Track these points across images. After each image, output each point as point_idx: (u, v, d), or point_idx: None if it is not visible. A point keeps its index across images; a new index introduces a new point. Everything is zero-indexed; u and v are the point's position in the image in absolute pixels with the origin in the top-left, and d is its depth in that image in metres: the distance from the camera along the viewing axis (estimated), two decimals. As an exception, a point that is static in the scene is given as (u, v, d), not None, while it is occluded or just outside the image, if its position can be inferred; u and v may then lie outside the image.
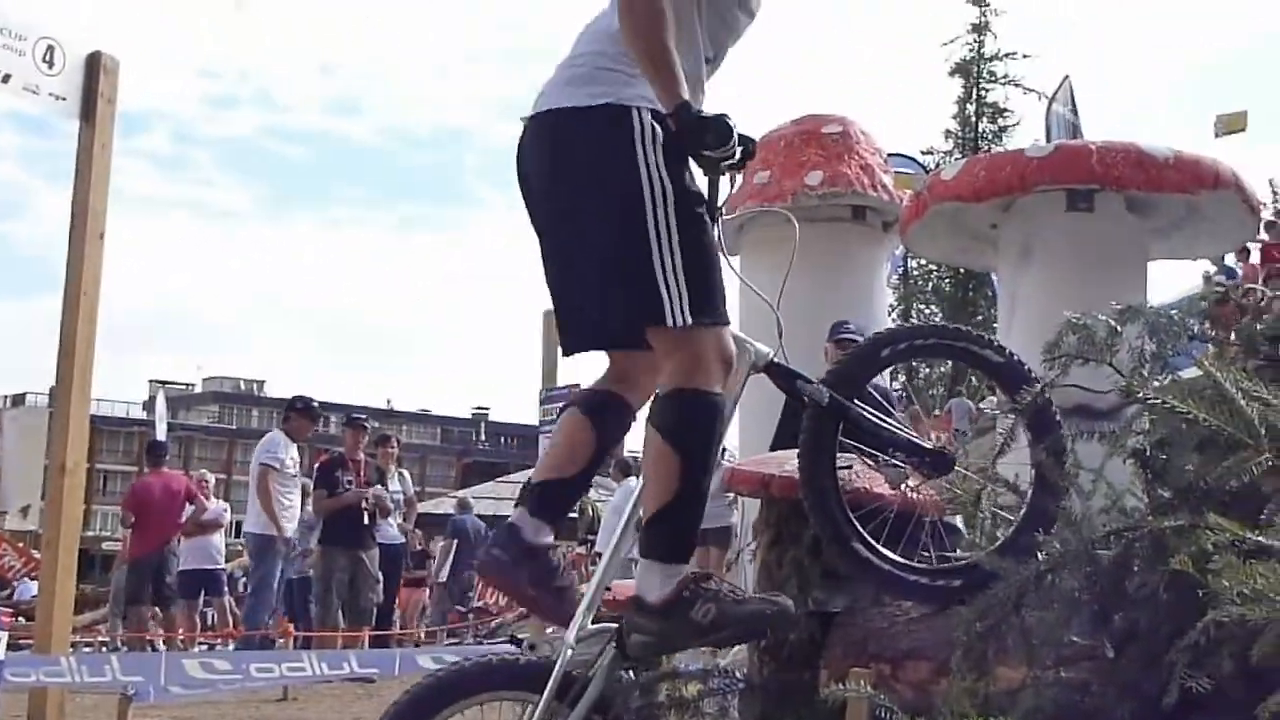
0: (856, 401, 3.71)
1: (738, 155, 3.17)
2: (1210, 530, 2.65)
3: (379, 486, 12.29)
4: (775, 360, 3.64)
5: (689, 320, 3.20)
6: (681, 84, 3.10)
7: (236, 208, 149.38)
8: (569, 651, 3.36)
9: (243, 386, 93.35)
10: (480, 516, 23.78)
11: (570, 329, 3.56)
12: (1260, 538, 2.40)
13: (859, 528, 3.75)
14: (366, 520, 12.15)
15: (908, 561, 3.81)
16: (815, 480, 3.72)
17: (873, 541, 3.75)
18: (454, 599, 17.83)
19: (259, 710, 9.03)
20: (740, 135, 3.14)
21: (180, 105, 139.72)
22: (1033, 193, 6.99)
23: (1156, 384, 3.27)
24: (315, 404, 13.24)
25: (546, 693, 3.28)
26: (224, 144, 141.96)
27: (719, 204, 3.37)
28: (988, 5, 41.24)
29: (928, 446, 3.77)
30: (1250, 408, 2.32)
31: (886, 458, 3.78)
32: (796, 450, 3.80)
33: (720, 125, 3.07)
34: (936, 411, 17.66)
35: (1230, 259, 17.14)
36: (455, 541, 18.09)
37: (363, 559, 12.13)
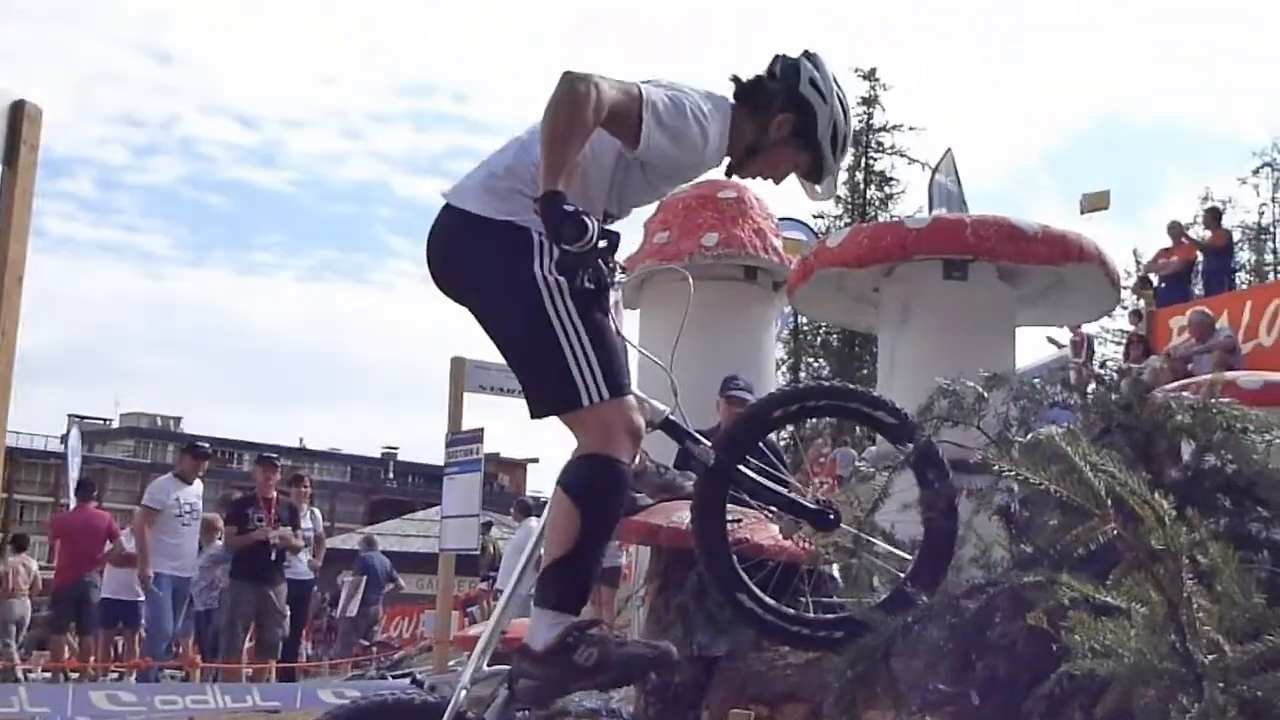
0: (748, 460, 3.71)
1: (594, 247, 3.18)
2: (1066, 587, 2.69)
3: (286, 529, 12.17)
4: (670, 418, 3.65)
5: (604, 397, 3.31)
6: (560, 178, 3.19)
7: (158, 251, 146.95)
8: (463, 692, 3.34)
9: (159, 423, 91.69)
10: (387, 552, 23.58)
11: (527, 401, 3.54)
12: (1108, 598, 2.43)
13: (747, 582, 3.72)
14: (274, 557, 12.03)
15: (794, 613, 3.78)
16: (705, 539, 3.71)
17: (760, 594, 3.72)
18: (359, 632, 17.65)
19: (164, 742, 8.87)
20: (604, 230, 3.20)
21: (105, 152, 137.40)
22: (912, 260, 7.09)
23: (1020, 448, 3.35)
24: (204, 446, 13.54)
25: None
26: (147, 190, 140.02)
27: (581, 285, 3.34)
28: (877, 80, 41.88)
29: (810, 506, 3.74)
30: (1098, 479, 2.35)
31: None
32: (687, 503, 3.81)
33: (576, 221, 3.13)
34: (822, 459, 17.76)
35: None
36: (364, 577, 17.95)
37: (270, 594, 11.93)
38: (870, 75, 41.76)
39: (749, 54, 3.84)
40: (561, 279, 3.31)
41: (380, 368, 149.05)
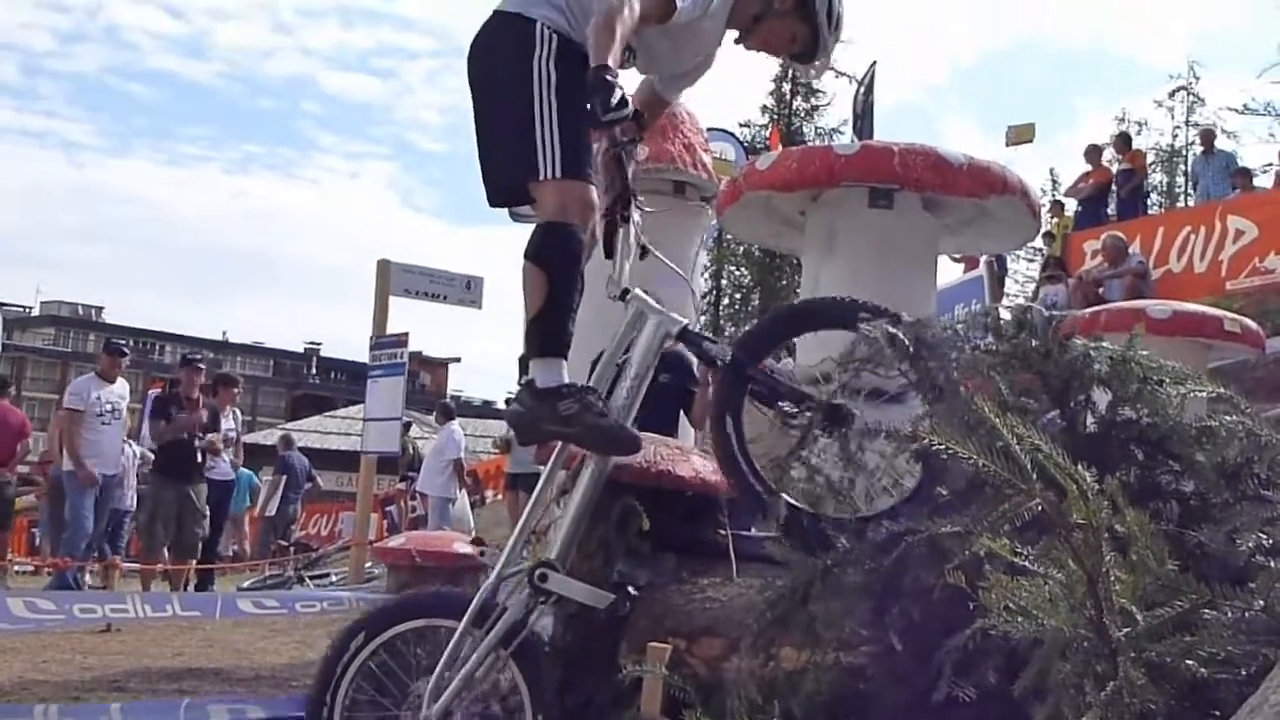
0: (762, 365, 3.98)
1: (623, 122, 3.62)
2: (984, 540, 2.69)
3: (211, 435, 12.19)
4: (688, 328, 3.98)
5: (558, 174, 3.74)
6: (606, 56, 3.59)
7: (82, 140, 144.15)
8: (493, 579, 3.71)
9: (80, 311, 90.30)
10: (307, 448, 23.48)
11: (486, 185, 4.03)
12: (1026, 562, 2.44)
13: (766, 480, 3.82)
14: (200, 458, 12.00)
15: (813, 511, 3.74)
16: (721, 437, 3.86)
17: (776, 491, 3.79)
18: (278, 532, 17.58)
19: (82, 642, 8.83)
20: (636, 112, 3.73)
21: (29, 37, 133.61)
22: (839, 187, 7.02)
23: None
24: (123, 345, 13.65)
25: (465, 619, 3.63)
26: (72, 79, 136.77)
27: (627, 183, 3.89)
28: (806, -9, 41.56)
29: (827, 402, 3.81)
30: (1023, 451, 2.34)
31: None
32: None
33: (606, 92, 3.53)
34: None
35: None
36: (284, 477, 17.86)
37: (190, 494, 11.93)
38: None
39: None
40: (555, 74, 3.81)
41: (306, 263, 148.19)
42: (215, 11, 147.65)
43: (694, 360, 7.79)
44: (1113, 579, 2.19)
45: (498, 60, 3.94)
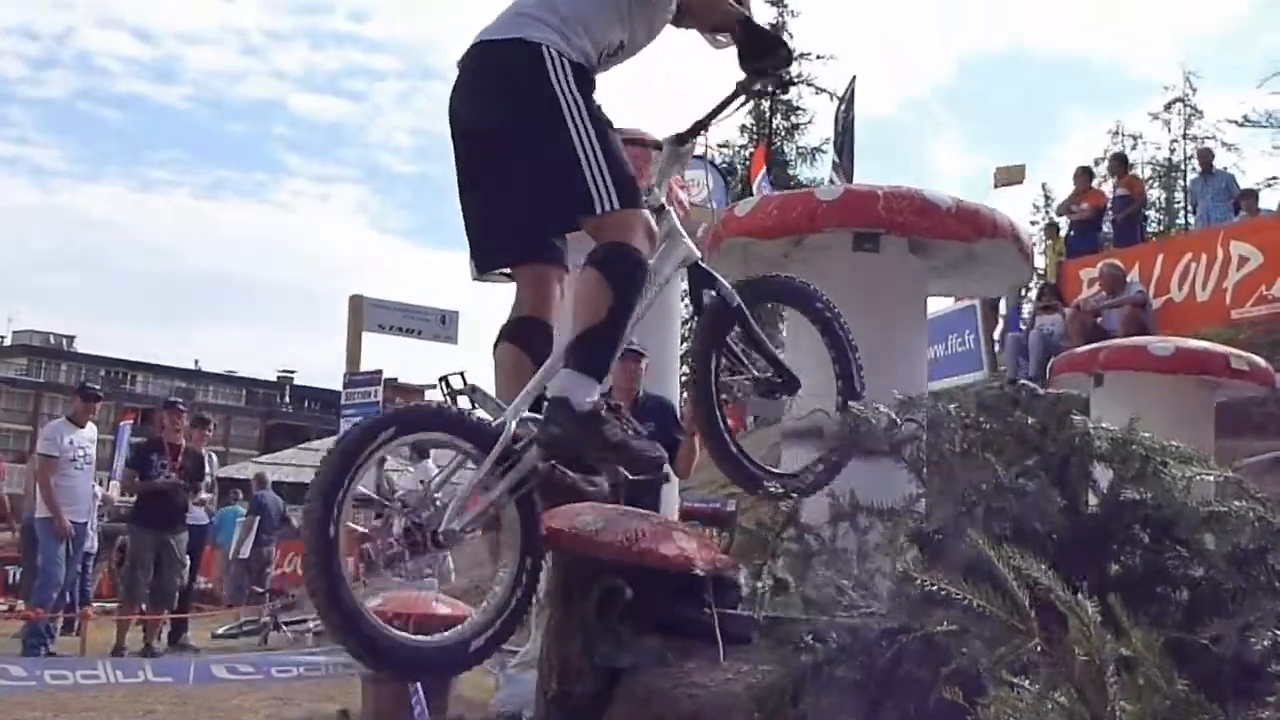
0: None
1: (782, 82, 3.78)
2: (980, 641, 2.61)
3: (206, 495, 12.24)
4: (700, 263, 4.07)
5: (616, 205, 3.60)
6: (738, 7, 3.72)
7: (53, 166, 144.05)
8: (512, 424, 3.60)
9: (52, 341, 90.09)
10: (282, 482, 23.34)
11: (495, 245, 3.93)
12: (1025, 683, 2.34)
13: (728, 425, 4.04)
14: (181, 505, 12.03)
15: (768, 467, 4.18)
16: (702, 365, 3.98)
17: (739, 441, 4.09)
18: (252, 575, 17.34)
19: (54, 699, 8.78)
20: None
21: (1, 65, 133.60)
22: (822, 232, 6.93)
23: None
24: (98, 390, 13.24)
25: (491, 456, 3.53)
26: (42, 105, 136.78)
27: (716, 118, 3.97)
28: (785, 6, 41.59)
29: (787, 366, 4.19)
30: (1019, 588, 2.25)
31: (755, 371, 4.16)
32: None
33: (784, 47, 3.70)
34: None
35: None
36: (258, 518, 17.66)
37: (170, 542, 11.96)
38: (778, 2, 41.48)
39: None
40: (579, 94, 3.63)
41: (277, 288, 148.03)
42: (184, 35, 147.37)
43: (678, 410, 7.76)
44: (1119, 714, 2.10)
45: (506, 94, 3.69)
